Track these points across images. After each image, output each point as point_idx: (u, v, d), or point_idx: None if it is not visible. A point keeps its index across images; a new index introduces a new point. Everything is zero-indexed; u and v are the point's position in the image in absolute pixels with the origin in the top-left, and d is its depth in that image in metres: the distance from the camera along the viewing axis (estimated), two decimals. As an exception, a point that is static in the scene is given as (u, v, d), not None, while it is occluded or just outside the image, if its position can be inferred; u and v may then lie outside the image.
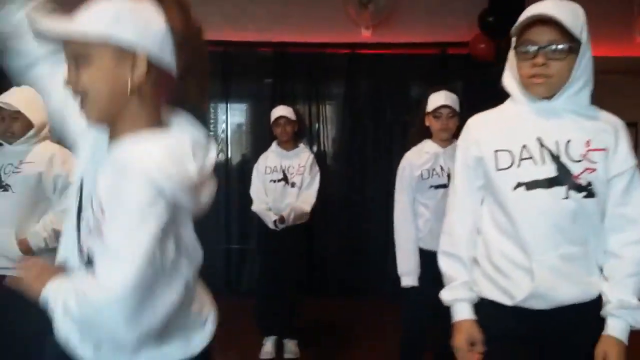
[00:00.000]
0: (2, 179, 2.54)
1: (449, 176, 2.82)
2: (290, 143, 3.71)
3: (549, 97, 1.55)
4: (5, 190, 2.53)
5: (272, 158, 3.70)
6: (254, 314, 3.72)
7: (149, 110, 1.16)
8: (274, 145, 3.76)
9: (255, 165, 3.77)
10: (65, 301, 1.09)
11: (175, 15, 1.16)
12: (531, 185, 1.53)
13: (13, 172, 2.53)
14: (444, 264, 1.70)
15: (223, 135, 5.28)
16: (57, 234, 2.44)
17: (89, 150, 1.24)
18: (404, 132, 5.08)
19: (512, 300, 1.55)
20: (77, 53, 1.11)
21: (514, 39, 1.58)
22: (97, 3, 1.12)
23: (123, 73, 1.11)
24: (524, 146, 1.55)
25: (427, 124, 2.88)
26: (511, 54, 1.61)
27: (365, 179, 5.24)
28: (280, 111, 3.66)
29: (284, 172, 3.63)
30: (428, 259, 2.76)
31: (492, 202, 1.63)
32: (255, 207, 3.65)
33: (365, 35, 5.19)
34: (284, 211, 3.56)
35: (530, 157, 1.54)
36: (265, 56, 5.23)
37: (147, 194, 1.04)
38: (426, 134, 2.90)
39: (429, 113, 2.85)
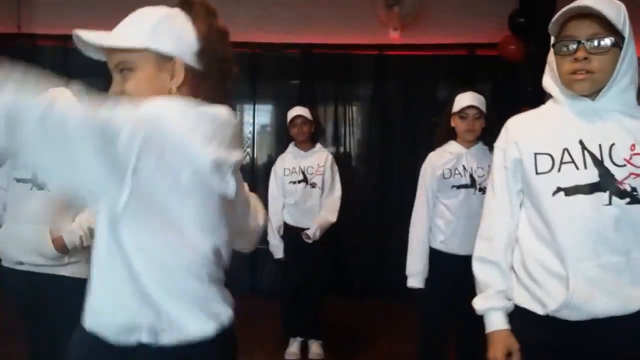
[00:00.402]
0: (38, 178, 2.55)
1: (471, 177, 2.80)
2: (307, 143, 3.70)
3: (592, 95, 1.49)
4: (41, 188, 2.54)
5: (289, 159, 3.69)
6: (279, 315, 3.72)
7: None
8: (290, 146, 3.74)
9: (273, 168, 3.76)
10: None
11: (202, 20, 1.24)
12: (571, 190, 1.46)
13: None
14: (479, 271, 1.62)
15: (249, 136, 5.31)
16: (92, 232, 2.45)
17: None
18: (431, 134, 5.04)
19: (545, 310, 1.48)
20: (122, 63, 1.20)
21: (552, 37, 1.52)
22: (136, 14, 1.23)
23: (163, 79, 1.21)
24: (565, 149, 1.48)
25: (452, 124, 2.85)
26: (550, 54, 1.55)
27: (391, 181, 5.21)
28: (297, 111, 3.65)
29: (303, 172, 3.62)
30: (449, 262, 2.75)
31: (530, 207, 1.56)
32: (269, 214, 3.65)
33: (394, 36, 5.15)
34: (309, 221, 3.56)
35: (572, 161, 1.47)
36: (292, 58, 5.24)
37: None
38: (451, 134, 2.87)
39: (455, 113, 2.82)
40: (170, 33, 1.21)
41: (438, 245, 2.81)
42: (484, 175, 2.76)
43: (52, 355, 2.56)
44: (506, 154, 1.59)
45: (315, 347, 3.68)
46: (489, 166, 2.72)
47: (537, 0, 4.62)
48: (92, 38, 1.19)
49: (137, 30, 1.20)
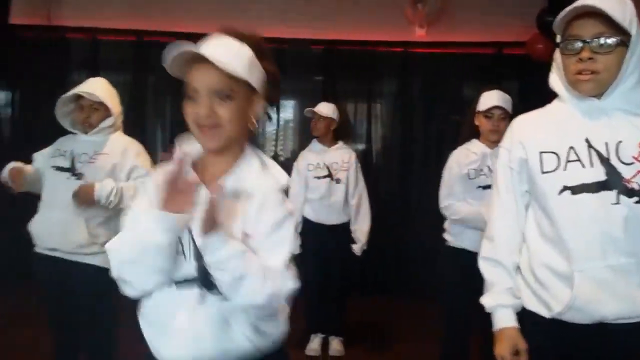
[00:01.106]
0: (77, 167, 2.61)
1: None
2: (329, 140, 3.68)
3: (598, 95, 1.46)
4: (79, 178, 2.58)
5: (313, 155, 3.68)
6: (303, 310, 3.71)
7: (245, 137, 1.35)
8: (313, 142, 3.73)
9: (295, 164, 3.74)
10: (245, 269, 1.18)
11: (268, 61, 1.36)
12: (577, 189, 1.43)
13: (88, 162, 2.59)
14: (486, 270, 1.62)
15: (273, 132, 5.33)
16: (120, 200, 2.52)
17: None
18: (456, 133, 5.00)
19: (550, 312, 1.47)
20: (223, 89, 1.25)
21: (558, 36, 1.50)
22: (227, 45, 1.27)
23: (249, 112, 1.30)
24: (571, 148, 1.46)
25: (476, 123, 2.82)
26: (556, 52, 1.53)
27: (414, 178, 5.18)
28: (317, 107, 3.65)
29: (328, 168, 3.61)
30: (474, 261, 2.72)
31: (536, 208, 1.54)
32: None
33: (419, 33, 5.12)
34: (332, 216, 3.61)
35: (578, 160, 1.44)
36: (317, 54, 5.24)
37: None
38: (474, 133, 2.85)
39: (480, 112, 2.79)
40: (257, 70, 1.31)
41: (465, 244, 2.78)
42: None
43: (74, 343, 2.62)
44: (511, 154, 1.58)
45: (335, 344, 3.68)
46: None
47: (567, -1, 4.55)
48: (214, 59, 1.21)
49: (238, 62, 1.25)
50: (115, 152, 2.65)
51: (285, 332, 1.35)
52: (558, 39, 1.51)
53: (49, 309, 2.60)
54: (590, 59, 1.41)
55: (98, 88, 2.66)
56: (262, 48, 1.34)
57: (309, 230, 3.63)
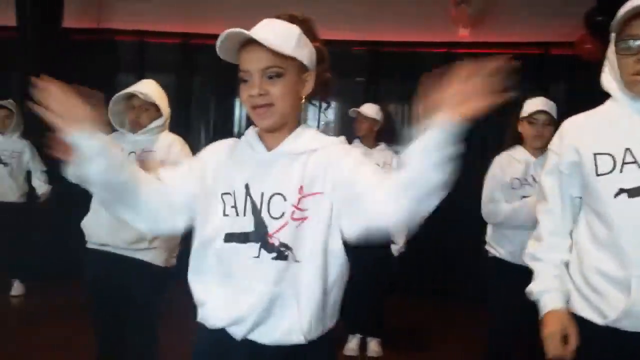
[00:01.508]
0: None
1: None
2: (371, 141, 3.68)
3: None
4: None
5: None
6: (340, 310, 3.70)
7: (298, 113, 1.40)
8: (356, 142, 3.73)
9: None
10: None
11: (316, 39, 1.42)
12: (635, 192, 1.37)
13: (136, 160, 2.60)
14: (532, 264, 1.59)
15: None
16: None
17: (235, 164, 1.36)
18: (500, 136, 4.92)
19: (605, 320, 1.40)
20: (272, 67, 1.28)
21: (613, 35, 1.46)
22: (273, 25, 1.34)
23: (299, 88, 1.35)
24: (627, 149, 1.40)
25: (519, 129, 2.75)
26: (610, 51, 1.48)
27: (456, 181, 5.11)
28: (361, 107, 3.67)
29: None
30: (516, 273, 2.65)
31: (589, 212, 1.49)
32: None
33: (463, 34, 5.06)
34: None
35: (635, 162, 1.39)
36: (359, 55, 5.24)
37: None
38: (518, 140, 2.77)
39: (523, 118, 2.72)
40: (305, 47, 1.35)
41: (505, 255, 2.72)
42: None
43: (119, 340, 2.68)
44: (562, 158, 1.53)
45: (373, 345, 3.67)
46: None
47: (618, -2, 4.43)
48: (260, 39, 1.25)
49: (287, 41, 1.30)
50: (161, 150, 2.69)
51: (336, 321, 1.40)
52: (612, 37, 1.46)
53: (95, 302, 2.67)
54: None
55: (151, 89, 2.72)
56: (312, 28, 1.41)
57: None
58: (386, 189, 1.19)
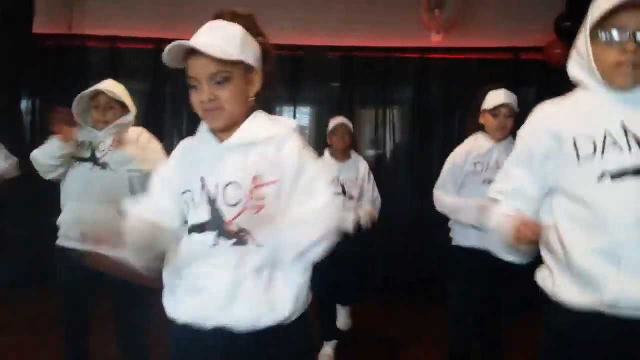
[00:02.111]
0: (98, 157, 2.64)
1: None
2: (345, 153, 3.67)
3: (632, 89, 1.41)
4: (104, 168, 2.63)
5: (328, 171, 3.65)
6: (317, 318, 3.68)
7: (248, 110, 1.42)
8: (327, 156, 3.66)
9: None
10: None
11: (260, 35, 1.43)
12: (618, 174, 1.36)
13: (109, 152, 2.63)
14: (491, 199, 1.59)
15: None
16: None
17: (190, 163, 1.43)
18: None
19: (596, 305, 1.37)
20: (220, 73, 1.33)
21: (590, 22, 1.43)
22: (219, 29, 1.37)
23: (247, 88, 1.39)
24: (607, 131, 1.38)
25: (481, 121, 2.84)
26: (585, 43, 1.45)
27: (430, 185, 5.14)
28: (340, 120, 3.66)
29: (342, 186, 3.58)
30: (473, 257, 2.73)
31: (568, 200, 1.44)
32: None
33: (436, 40, 5.11)
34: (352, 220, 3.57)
35: (616, 143, 1.37)
36: (334, 61, 5.25)
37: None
38: (480, 130, 2.87)
39: (486, 110, 2.81)
40: (250, 47, 1.38)
41: (473, 243, 2.75)
42: None
43: (86, 345, 2.65)
44: (536, 144, 1.50)
45: (344, 317, 3.68)
46: None
47: (585, 4, 4.52)
48: (205, 48, 1.30)
49: (231, 45, 1.34)
50: (130, 140, 2.71)
51: (309, 302, 1.44)
52: (587, 27, 1.44)
53: (68, 305, 2.62)
54: (634, 51, 1.36)
55: (116, 87, 2.73)
56: (255, 23, 1.43)
57: None
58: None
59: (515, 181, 1.54)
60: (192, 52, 1.34)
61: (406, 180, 5.25)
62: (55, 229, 2.66)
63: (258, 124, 1.41)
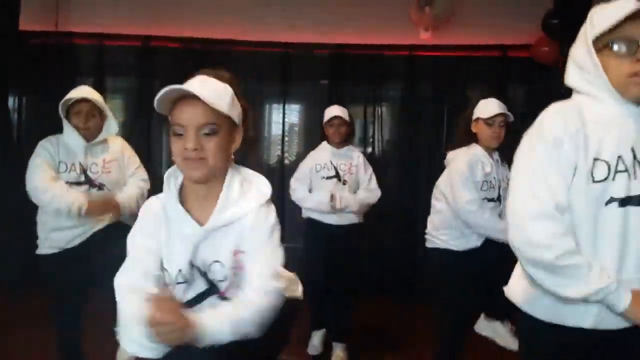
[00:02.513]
0: (94, 179, 2.69)
1: (499, 189, 2.83)
2: (341, 143, 3.69)
3: None
4: (101, 188, 2.70)
5: (322, 156, 3.66)
6: (309, 307, 3.67)
7: (227, 166, 1.48)
8: (324, 144, 3.72)
9: (302, 164, 3.73)
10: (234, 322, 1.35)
11: (241, 97, 1.49)
12: (625, 201, 1.36)
13: (104, 172, 2.70)
14: (568, 262, 1.37)
15: (279, 136, 5.34)
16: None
17: (174, 244, 1.46)
18: (450, 137, 4.99)
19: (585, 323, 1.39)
20: (209, 124, 1.37)
21: (596, 34, 1.41)
22: (209, 85, 1.39)
23: (230, 144, 1.44)
24: (620, 157, 1.38)
25: (474, 130, 2.86)
26: (590, 54, 1.42)
27: (419, 182, 5.18)
28: (335, 111, 3.63)
29: (335, 169, 3.61)
30: (472, 257, 2.77)
31: (574, 216, 1.40)
32: (297, 196, 3.66)
33: (424, 37, 5.12)
34: (336, 216, 3.57)
35: (626, 170, 1.37)
36: (322, 58, 5.25)
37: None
38: (472, 139, 2.88)
39: (480, 119, 2.83)
40: (236, 105, 1.44)
41: (453, 246, 2.81)
42: (505, 188, 2.78)
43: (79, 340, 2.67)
44: (572, 146, 1.39)
45: (339, 351, 3.61)
46: (507, 176, 2.76)
47: (572, 2, 4.55)
48: (202, 96, 1.32)
49: (222, 98, 1.38)
50: (117, 154, 2.78)
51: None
52: (593, 36, 1.42)
53: (62, 301, 2.66)
54: None
55: (96, 94, 2.75)
56: (237, 86, 1.48)
57: (315, 230, 3.63)
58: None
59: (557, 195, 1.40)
60: (183, 98, 1.36)
61: (395, 177, 5.27)
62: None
63: (233, 196, 1.45)
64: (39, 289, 2.80)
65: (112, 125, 2.77)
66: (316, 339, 3.68)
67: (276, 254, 1.47)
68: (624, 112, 1.42)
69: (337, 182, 3.60)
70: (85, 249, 2.65)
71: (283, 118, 5.33)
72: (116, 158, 2.75)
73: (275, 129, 5.37)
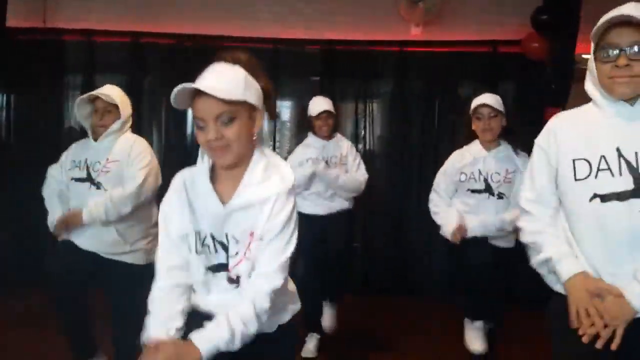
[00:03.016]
0: (94, 177, 2.73)
1: (486, 182, 2.83)
2: (329, 136, 3.68)
3: (632, 100, 1.52)
4: (99, 188, 2.71)
5: (311, 150, 3.64)
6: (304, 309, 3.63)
7: (253, 146, 1.54)
8: (310, 136, 3.69)
9: (291, 157, 3.70)
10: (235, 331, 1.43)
11: (261, 77, 1.53)
12: (607, 197, 1.49)
13: (102, 171, 2.72)
14: (533, 238, 1.66)
15: (270, 133, 5.32)
16: (112, 213, 2.68)
17: (197, 213, 1.55)
18: (452, 131, 5.01)
19: None
20: (225, 113, 1.43)
21: (592, 44, 1.56)
22: (223, 72, 1.45)
23: (251, 126, 1.49)
24: (603, 157, 1.52)
25: (473, 127, 2.89)
26: (590, 60, 1.58)
27: (411, 178, 5.19)
28: (324, 105, 3.62)
29: (326, 162, 3.60)
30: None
31: (565, 215, 1.62)
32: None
33: (415, 32, 5.13)
34: (329, 202, 3.58)
35: (608, 169, 1.50)
36: (313, 54, 5.24)
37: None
38: (473, 136, 2.92)
39: (471, 115, 2.87)
40: (252, 88, 1.48)
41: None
42: (499, 181, 2.79)
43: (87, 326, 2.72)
44: (553, 152, 1.62)
45: (328, 308, 3.66)
46: (507, 170, 2.78)
47: (562, -2, 4.57)
48: (211, 91, 1.40)
49: (235, 86, 1.43)
50: (123, 156, 2.76)
51: (297, 308, 1.69)
52: (592, 47, 1.56)
53: (63, 293, 2.65)
54: (627, 65, 1.47)
55: (112, 92, 2.80)
56: (255, 66, 1.52)
57: (306, 227, 3.60)
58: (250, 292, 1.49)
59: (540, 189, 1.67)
60: (198, 94, 1.43)
61: (386, 173, 5.27)
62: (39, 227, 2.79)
63: (256, 178, 1.51)
64: (38, 288, 2.80)
65: (117, 121, 2.79)
66: (311, 342, 3.67)
67: (285, 248, 1.51)
68: (615, 112, 1.54)
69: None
70: (96, 263, 2.71)
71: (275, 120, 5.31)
72: (118, 159, 2.75)
73: (266, 126, 5.35)
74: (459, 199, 2.93)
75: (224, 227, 1.52)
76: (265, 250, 1.49)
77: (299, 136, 5.30)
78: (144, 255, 2.74)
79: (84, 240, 2.70)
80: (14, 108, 5.14)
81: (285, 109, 5.49)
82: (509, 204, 2.79)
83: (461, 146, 2.98)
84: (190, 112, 5.38)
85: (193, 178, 1.57)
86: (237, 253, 1.52)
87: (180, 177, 1.59)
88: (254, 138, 1.53)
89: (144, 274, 2.62)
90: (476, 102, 2.83)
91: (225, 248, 1.53)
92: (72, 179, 2.74)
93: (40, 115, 5.08)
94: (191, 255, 1.56)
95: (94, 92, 2.76)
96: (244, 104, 1.46)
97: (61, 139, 4.72)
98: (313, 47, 5.22)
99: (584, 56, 5.60)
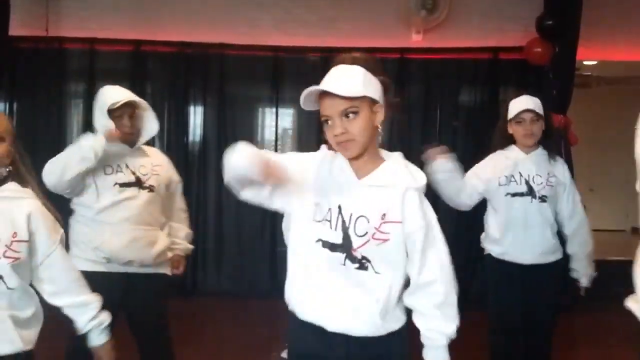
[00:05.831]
0: (143, 180, 2.56)
1: (528, 184, 2.74)
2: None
3: None
4: (151, 191, 2.57)
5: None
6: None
7: (377, 138, 1.64)
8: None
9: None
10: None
11: (380, 73, 1.63)
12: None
13: (152, 174, 2.59)
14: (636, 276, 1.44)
15: (272, 140, 5.33)
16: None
17: (327, 180, 1.62)
18: (454, 138, 5.01)
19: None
20: (349, 108, 1.54)
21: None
22: (343, 72, 1.59)
23: (373, 119, 1.58)
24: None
25: (510, 131, 2.79)
26: None
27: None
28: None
29: None
30: (511, 270, 2.75)
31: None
32: None
33: (416, 39, 5.14)
34: None
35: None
36: (314, 61, 5.25)
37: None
38: (510, 141, 2.82)
39: (511, 120, 2.76)
40: (371, 83, 1.57)
41: (499, 254, 2.80)
42: (542, 183, 2.72)
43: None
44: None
45: None
46: (548, 173, 2.71)
47: (564, 3, 4.58)
48: (334, 90, 1.52)
49: (355, 84, 1.54)
50: (164, 164, 2.72)
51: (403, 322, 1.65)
52: None
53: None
54: None
55: (131, 93, 2.61)
56: (374, 64, 1.62)
57: None
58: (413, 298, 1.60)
59: None
60: (323, 95, 1.57)
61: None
62: None
63: (394, 168, 1.61)
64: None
65: (152, 128, 2.71)
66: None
67: (441, 239, 1.61)
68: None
69: None
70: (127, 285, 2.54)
71: (276, 122, 5.32)
72: (161, 164, 2.73)
73: (268, 133, 5.36)
74: (499, 211, 2.80)
75: (353, 204, 1.57)
76: (421, 268, 1.57)
77: (301, 144, 5.31)
78: (168, 264, 2.76)
79: (125, 252, 2.53)
80: (16, 116, 5.16)
81: (287, 116, 5.50)
82: (552, 208, 2.74)
83: (492, 152, 2.87)
84: (190, 120, 5.38)
85: (333, 160, 1.66)
86: (365, 233, 1.54)
87: (325, 153, 1.69)
88: (379, 129, 1.61)
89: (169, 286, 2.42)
90: (518, 106, 2.72)
91: (346, 229, 1.56)
92: (117, 184, 2.50)
93: (42, 123, 5.09)
94: (305, 221, 1.60)
95: (128, 99, 2.53)
96: (364, 98, 1.55)
97: (63, 147, 4.72)
98: (314, 55, 5.23)
99: (585, 63, 5.62)
